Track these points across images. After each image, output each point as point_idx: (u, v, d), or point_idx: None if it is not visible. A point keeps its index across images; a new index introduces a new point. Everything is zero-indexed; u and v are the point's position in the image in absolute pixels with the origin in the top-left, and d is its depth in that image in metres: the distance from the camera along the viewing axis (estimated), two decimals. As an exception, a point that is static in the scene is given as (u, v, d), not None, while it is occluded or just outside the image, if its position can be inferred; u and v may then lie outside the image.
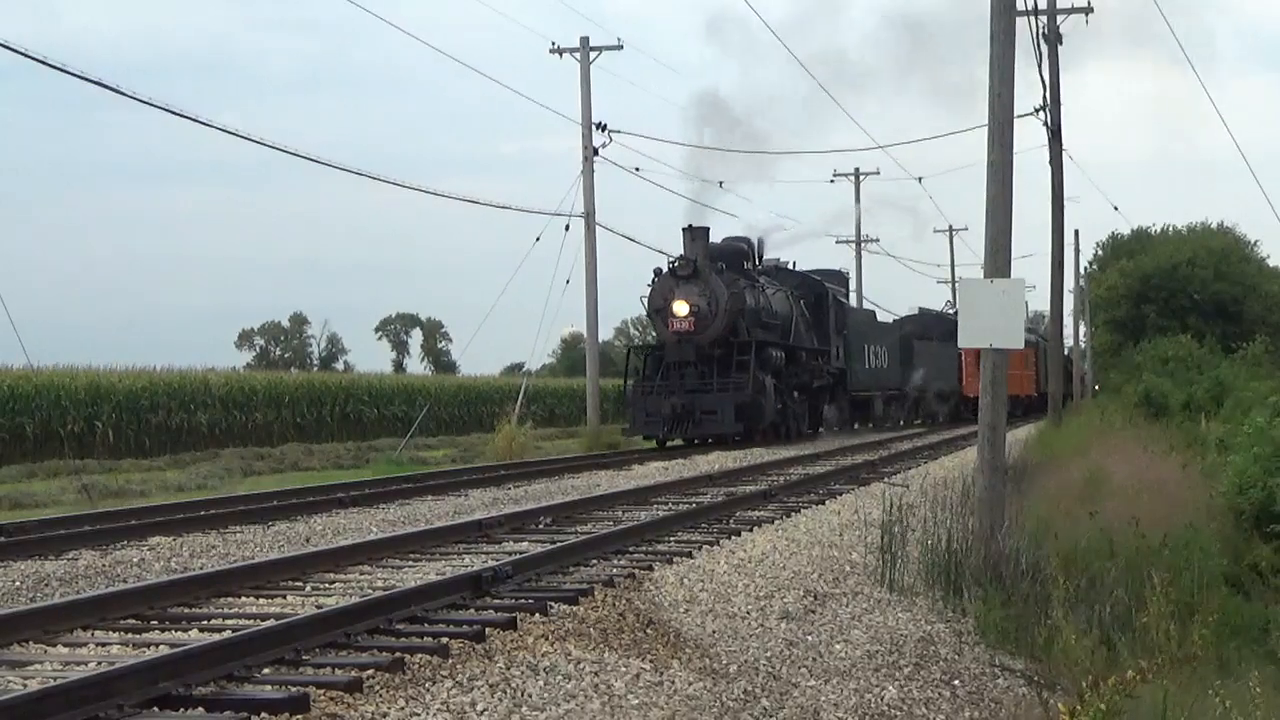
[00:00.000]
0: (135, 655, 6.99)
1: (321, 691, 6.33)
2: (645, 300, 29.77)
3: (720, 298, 28.71)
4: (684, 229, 29.65)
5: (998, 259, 12.05)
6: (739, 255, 31.37)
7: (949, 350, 45.47)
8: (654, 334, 30.45)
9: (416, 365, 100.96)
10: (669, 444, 29.00)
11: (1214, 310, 57.58)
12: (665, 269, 29.50)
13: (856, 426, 34.98)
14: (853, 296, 54.96)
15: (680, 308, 28.78)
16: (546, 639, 7.76)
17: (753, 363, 28.67)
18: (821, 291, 34.44)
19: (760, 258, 32.88)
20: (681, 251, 29.30)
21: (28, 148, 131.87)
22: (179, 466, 30.02)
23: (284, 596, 9.18)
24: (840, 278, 38.02)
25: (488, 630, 7.71)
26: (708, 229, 30.06)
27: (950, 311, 52.84)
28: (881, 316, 45.66)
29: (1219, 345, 48.38)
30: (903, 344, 41.97)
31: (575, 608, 8.60)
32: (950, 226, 68.91)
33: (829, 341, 34.24)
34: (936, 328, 47.68)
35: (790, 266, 34.80)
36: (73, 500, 20.89)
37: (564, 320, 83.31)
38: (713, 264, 29.35)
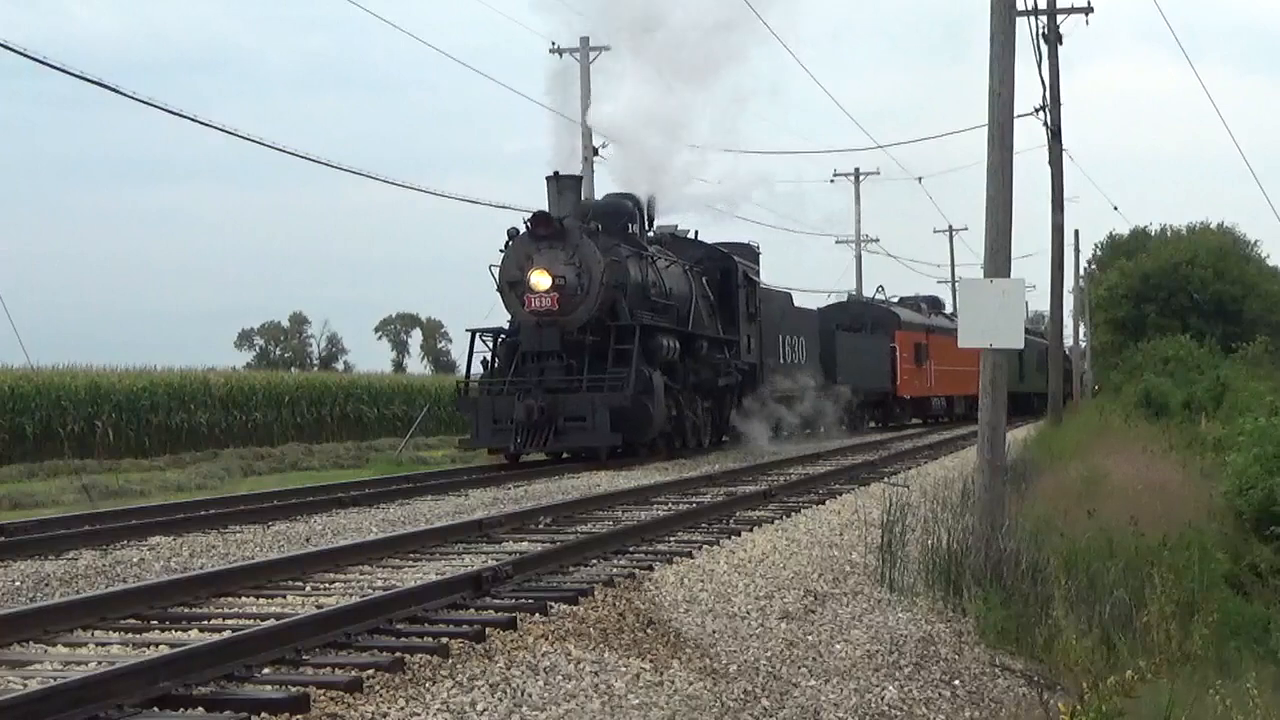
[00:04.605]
0: (135, 655, 6.99)
1: (322, 691, 6.33)
2: (495, 270, 22.78)
3: (593, 268, 22.15)
4: (548, 177, 23.03)
5: (998, 259, 12.06)
6: (621, 216, 24.23)
7: (880, 344, 40.77)
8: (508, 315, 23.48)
9: (416, 365, 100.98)
10: (523, 459, 22.50)
11: (1214, 310, 57.60)
12: (521, 229, 22.63)
13: (774, 435, 28.79)
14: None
15: (540, 280, 22.00)
16: (546, 639, 7.76)
17: (636, 354, 22.10)
18: (729, 267, 27.52)
19: (651, 222, 25.70)
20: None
21: (28, 146, 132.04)
22: (179, 466, 30.03)
23: (284, 596, 9.17)
24: (750, 252, 30.21)
25: (488, 630, 7.71)
26: (579, 178, 23.85)
27: (882, 300, 47.35)
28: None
29: (1219, 345, 48.38)
30: (824, 336, 35.25)
31: (575, 607, 8.59)
32: (950, 226, 68.79)
33: (738, 330, 27.34)
34: (865, 318, 42.30)
35: (691, 235, 28.21)
36: (73, 500, 20.91)
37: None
38: (586, 224, 22.79)
